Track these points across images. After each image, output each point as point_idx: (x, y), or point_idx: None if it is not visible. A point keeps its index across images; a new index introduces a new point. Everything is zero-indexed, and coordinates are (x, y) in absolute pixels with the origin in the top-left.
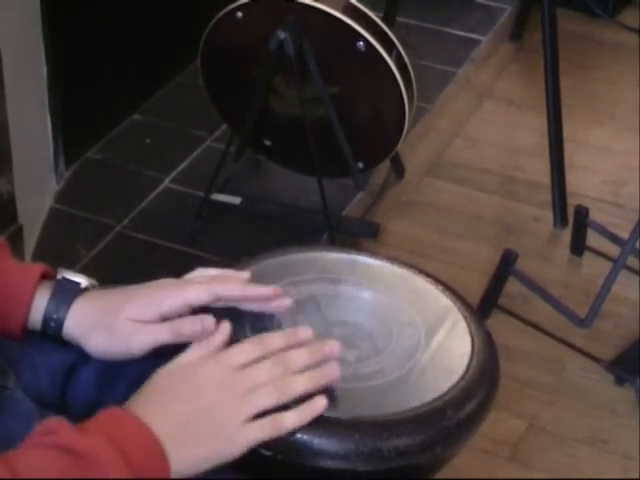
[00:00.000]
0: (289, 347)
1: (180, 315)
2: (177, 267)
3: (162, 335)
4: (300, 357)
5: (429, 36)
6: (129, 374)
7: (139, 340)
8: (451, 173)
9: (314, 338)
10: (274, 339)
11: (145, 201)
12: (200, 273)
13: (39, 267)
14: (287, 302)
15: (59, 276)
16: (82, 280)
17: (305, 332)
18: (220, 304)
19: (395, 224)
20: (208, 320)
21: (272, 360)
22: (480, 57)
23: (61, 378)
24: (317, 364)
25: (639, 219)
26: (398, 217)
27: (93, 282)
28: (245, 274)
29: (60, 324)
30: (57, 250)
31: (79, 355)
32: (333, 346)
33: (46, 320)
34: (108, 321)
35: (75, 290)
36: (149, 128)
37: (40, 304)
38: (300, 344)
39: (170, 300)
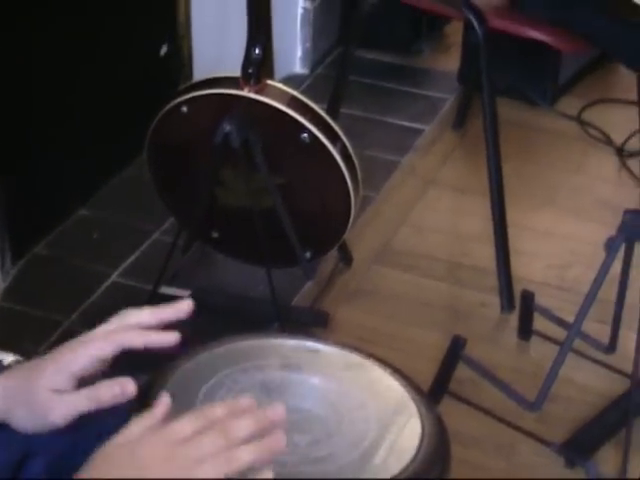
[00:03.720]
0: (232, 416)
1: (97, 371)
2: (129, 361)
3: (81, 404)
4: (244, 426)
5: (373, 126)
6: (79, 464)
7: (59, 411)
8: (399, 260)
9: (256, 407)
10: (216, 409)
11: (93, 296)
12: (120, 319)
13: None
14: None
15: None
16: (5, 357)
17: (247, 401)
18: None
19: (344, 312)
20: (127, 383)
21: (215, 431)
22: (424, 145)
23: (9, 476)
24: (263, 432)
25: (583, 302)
26: (347, 305)
27: (18, 358)
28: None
29: None
30: (4, 348)
31: (27, 448)
32: (277, 410)
33: None
34: (26, 394)
35: None
36: (96, 223)
37: None
38: (243, 412)
39: (77, 360)
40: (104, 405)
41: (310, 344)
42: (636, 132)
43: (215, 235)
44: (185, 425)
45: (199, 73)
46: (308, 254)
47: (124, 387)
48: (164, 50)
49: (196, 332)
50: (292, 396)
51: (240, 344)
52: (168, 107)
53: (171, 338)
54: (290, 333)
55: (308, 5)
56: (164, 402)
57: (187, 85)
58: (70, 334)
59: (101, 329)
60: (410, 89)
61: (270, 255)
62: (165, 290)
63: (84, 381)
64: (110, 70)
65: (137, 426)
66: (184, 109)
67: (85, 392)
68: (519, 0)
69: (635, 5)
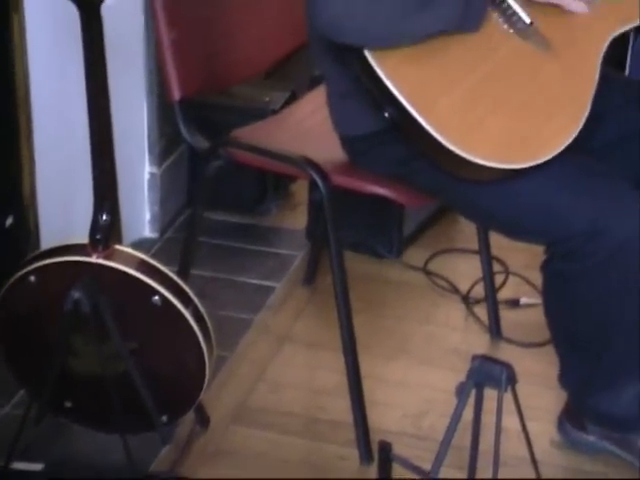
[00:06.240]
0: None
1: None
2: None
3: None
4: None
5: (225, 286)
6: None
7: None
8: (256, 419)
9: None
10: None
11: None
12: None
13: None
14: None
15: None
16: None
17: None
18: None
19: (204, 475)
20: None
21: None
22: (276, 303)
23: None
24: None
25: (439, 450)
26: (206, 468)
27: None
28: None
29: None
30: None
31: None
32: None
33: None
34: None
35: None
36: None
37: None
38: None
39: None
40: None
41: None
42: (479, 280)
43: (68, 405)
44: None
45: (46, 242)
46: (164, 418)
47: None
48: (9, 221)
49: None
50: None
51: None
52: (15, 277)
53: None
54: None
55: (155, 170)
56: None
57: (34, 254)
58: None
59: None
60: (259, 248)
61: (126, 421)
62: (17, 465)
63: None
64: None
65: None
66: (32, 278)
67: None
68: (359, 157)
69: (468, 163)
